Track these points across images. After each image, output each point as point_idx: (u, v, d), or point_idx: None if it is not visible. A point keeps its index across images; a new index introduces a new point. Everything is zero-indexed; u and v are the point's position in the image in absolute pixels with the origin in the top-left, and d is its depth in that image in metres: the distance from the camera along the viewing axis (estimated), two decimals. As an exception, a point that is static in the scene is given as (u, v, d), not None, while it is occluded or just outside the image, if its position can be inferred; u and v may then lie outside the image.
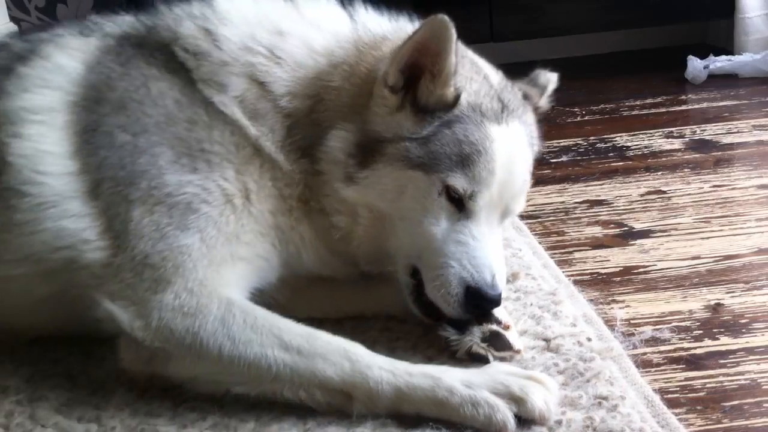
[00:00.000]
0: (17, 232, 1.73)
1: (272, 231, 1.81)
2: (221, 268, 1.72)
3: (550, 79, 2.06)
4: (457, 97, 1.74)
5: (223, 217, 1.73)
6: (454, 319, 1.77)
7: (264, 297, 1.80)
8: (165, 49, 1.85)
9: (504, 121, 1.79)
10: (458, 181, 1.71)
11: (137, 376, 1.72)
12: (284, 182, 1.81)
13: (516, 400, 1.54)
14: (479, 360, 1.72)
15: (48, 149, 1.74)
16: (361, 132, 1.77)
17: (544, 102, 2.03)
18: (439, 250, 1.72)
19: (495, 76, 1.89)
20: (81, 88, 1.80)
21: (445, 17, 1.65)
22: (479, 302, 1.70)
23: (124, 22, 1.95)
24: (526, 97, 1.94)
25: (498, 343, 1.74)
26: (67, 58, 1.85)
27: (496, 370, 1.63)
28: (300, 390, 1.62)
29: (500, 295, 1.71)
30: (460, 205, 1.73)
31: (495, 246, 1.77)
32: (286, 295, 1.89)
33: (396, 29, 1.91)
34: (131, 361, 1.71)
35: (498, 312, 1.78)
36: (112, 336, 1.73)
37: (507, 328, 1.77)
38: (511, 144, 1.78)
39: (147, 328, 1.65)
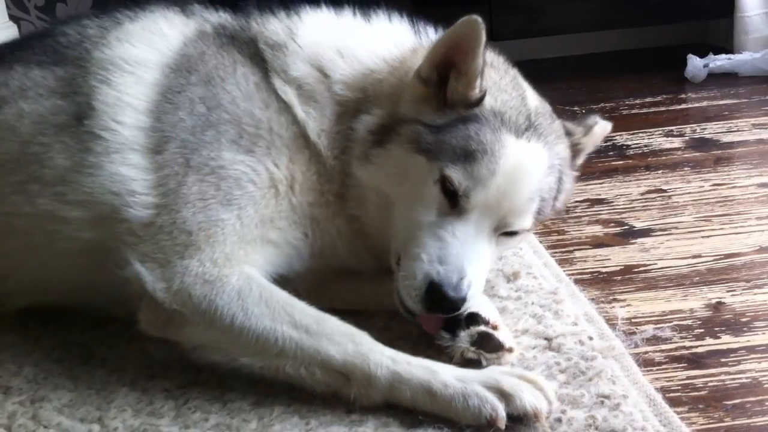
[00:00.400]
0: (86, 173, 1.83)
1: (307, 221, 1.89)
2: (249, 247, 1.79)
3: (600, 122, 2.06)
4: (481, 99, 1.78)
5: (264, 199, 1.82)
6: (446, 324, 1.76)
7: (287, 287, 1.81)
8: (252, 43, 1.98)
9: (524, 137, 1.80)
10: (455, 174, 1.73)
11: (152, 336, 1.78)
12: (326, 178, 1.89)
13: (505, 396, 1.55)
14: (474, 365, 1.71)
15: (129, 101, 1.86)
16: (387, 115, 1.85)
17: (587, 141, 2.03)
18: (418, 240, 1.74)
19: (534, 100, 1.92)
20: (176, 55, 1.93)
21: (478, 18, 1.71)
22: (437, 299, 1.68)
23: (220, 16, 2.09)
24: (568, 133, 1.96)
25: (489, 344, 1.73)
26: (169, 28, 2.00)
27: (493, 369, 1.65)
28: (301, 367, 1.66)
29: (462, 298, 1.69)
30: (453, 200, 1.74)
31: (476, 251, 1.75)
32: (306, 288, 1.92)
33: None
34: (148, 323, 1.77)
35: (486, 312, 1.78)
36: (126, 315, 1.80)
37: (495, 327, 1.76)
38: (523, 156, 1.78)
39: (168, 290, 1.72)
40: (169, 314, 1.72)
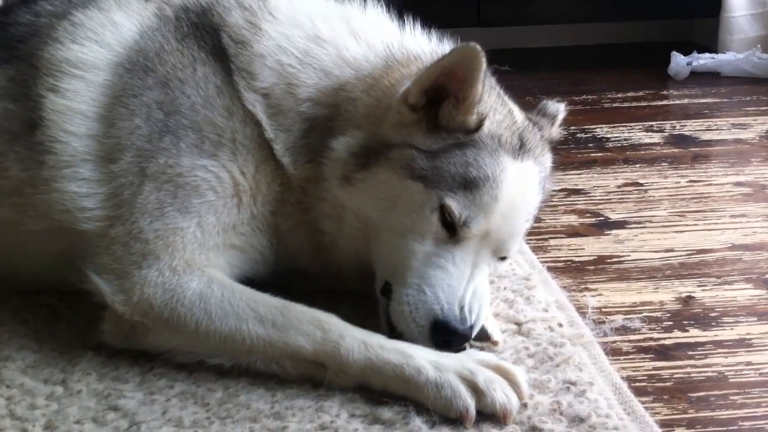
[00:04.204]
0: (42, 188, 1.77)
1: (270, 229, 1.83)
2: (211, 253, 1.74)
3: (559, 108, 2.00)
4: (480, 124, 1.70)
5: (226, 208, 1.75)
6: None
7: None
8: (214, 33, 1.86)
9: (519, 158, 1.74)
10: (455, 204, 1.65)
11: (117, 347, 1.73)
12: (288, 186, 1.81)
13: (477, 392, 1.53)
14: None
15: (79, 108, 1.77)
16: (370, 137, 1.74)
17: (555, 132, 1.97)
18: (415, 270, 1.66)
19: (519, 114, 1.85)
20: (130, 51, 1.82)
21: (477, 46, 1.61)
22: (447, 338, 1.63)
23: None
24: (539, 128, 1.88)
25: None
26: (123, 17, 1.87)
27: (469, 356, 1.62)
28: (272, 362, 1.64)
29: (470, 328, 1.64)
30: (451, 230, 1.66)
31: (477, 278, 1.69)
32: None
33: (433, 51, 1.87)
34: (111, 335, 1.73)
35: None
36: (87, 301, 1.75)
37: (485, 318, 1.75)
38: (521, 180, 1.72)
39: (128, 302, 1.67)
40: (131, 325, 1.69)
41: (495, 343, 1.75)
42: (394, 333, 1.68)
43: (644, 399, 1.63)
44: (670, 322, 1.94)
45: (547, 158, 1.87)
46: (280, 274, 1.88)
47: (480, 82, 1.66)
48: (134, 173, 1.73)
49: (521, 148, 1.75)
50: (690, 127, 3.46)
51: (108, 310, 1.71)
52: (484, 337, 1.74)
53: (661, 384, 1.70)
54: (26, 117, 1.79)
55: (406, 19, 1.97)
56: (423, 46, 1.90)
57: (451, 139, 1.70)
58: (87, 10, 1.88)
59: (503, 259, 1.79)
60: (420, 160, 1.69)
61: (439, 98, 1.70)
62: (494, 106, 1.77)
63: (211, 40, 1.85)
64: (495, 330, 1.77)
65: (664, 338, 1.87)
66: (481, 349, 1.73)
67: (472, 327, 1.65)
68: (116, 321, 1.70)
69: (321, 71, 1.83)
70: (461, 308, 1.64)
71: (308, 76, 1.82)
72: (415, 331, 1.64)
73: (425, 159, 1.69)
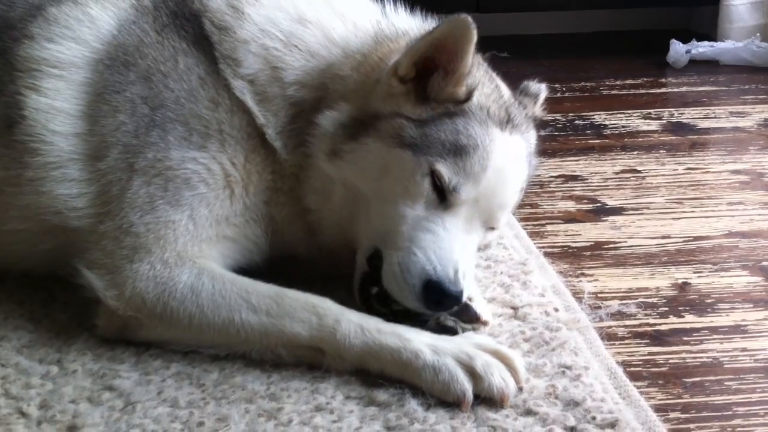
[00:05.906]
0: (26, 189, 1.75)
1: (266, 220, 1.82)
2: (204, 245, 1.74)
3: (540, 88, 2.02)
4: (470, 95, 1.71)
5: (218, 200, 1.74)
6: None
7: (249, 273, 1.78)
8: (195, 20, 1.83)
9: (507, 130, 1.75)
10: (445, 169, 1.66)
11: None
12: (281, 176, 1.80)
13: (475, 377, 1.53)
14: (448, 331, 1.69)
15: (62, 107, 1.75)
16: (358, 110, 1.74)
17: (538, 111, 1.99)
18: (406, 234, 1.66)
19: (506, 90, 1.86)
20: (109, 47, 1.80)
21: (468, 18, 1.62)
22: (439, 298, 1.62)
23: None
24: (524, 106, 1.90)
25: (465, 314, 1.73)
26: (100, 10, 1.84)
27: (466, 340, 1.62)
28: (268, 351, 1.64)
29: (461, 292, 1.63)
30: (441, 195, 1.68)
31: (467, 246, 1.70)
32: None
33: (420, 27, 1.88)
34: (105, 329, 1.72)
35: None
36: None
37: (471, 299, 1.75)
38: (509, 150, 1.74)
39: (120, 297, 1.67)
40: (125, 320, 1.68)
41: (485, 323, 1.75)
42: (371, 310, 1.68)
43: (639, 384, 1.63)
44: (666, 308, 1.94)
45: (533, 135, 1.89)
46: (275, 261, 1.87)
47: (470, 54, 1.67)
48: (122, 169, 1.72)
49: (508, 122, 1.77)
50: (688, 114, 3.45)
51: (101, 306, 1.70)
52: (474, 318, 1.74)
53: (656, 369, 1.70)
54: (2, 114, 1.77)
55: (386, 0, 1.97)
56: (410, 23, 1.91)
57: (441, 109, 1.71)
58: (61, 4, 1.84)
59: (492, 229, 1.80)
60: (409, 129, 1.70)
61: (429, 70, 1.71)
62: (482, 80, 1.79)
63: (192, 28, 1.83)
64: (484, 310, 1.77)
65: (660, 324, 1.87)
66: (472, 330, 1.73)
67: (462, 291, 1.64)
68: (109, 316, 1.70)
69: (307, 53, 1.82)
70: (456, 271, 1.63)
71: (294, 59, 1.81)
72: (406, 290, 1.63)
73: (415, 127, 1.70)
